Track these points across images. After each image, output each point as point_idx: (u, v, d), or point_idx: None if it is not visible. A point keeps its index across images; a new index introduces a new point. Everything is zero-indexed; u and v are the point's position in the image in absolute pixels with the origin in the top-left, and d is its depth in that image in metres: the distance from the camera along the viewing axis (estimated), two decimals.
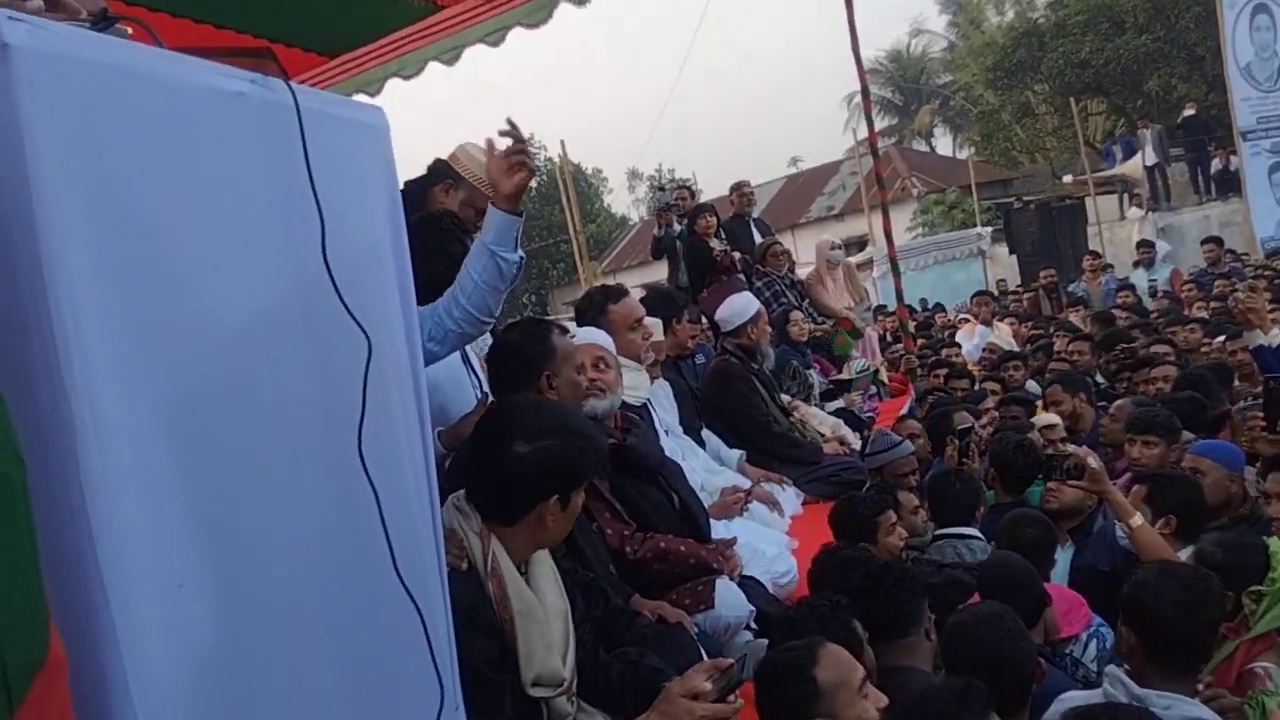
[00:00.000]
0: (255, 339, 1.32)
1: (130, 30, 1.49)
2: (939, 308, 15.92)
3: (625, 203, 49.82)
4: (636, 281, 33.24)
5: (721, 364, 4.80)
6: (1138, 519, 3.12)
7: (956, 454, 4.46)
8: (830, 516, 3.57)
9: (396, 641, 1.50)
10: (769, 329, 5.15)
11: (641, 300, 4.68)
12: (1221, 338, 6.05)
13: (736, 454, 4.35)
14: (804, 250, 27.42)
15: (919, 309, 13.88)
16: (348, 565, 1.42)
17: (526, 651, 1.91)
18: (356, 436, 1.42)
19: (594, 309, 3.53)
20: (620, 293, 3.67)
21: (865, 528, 3.39)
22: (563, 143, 23.51)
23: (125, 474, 1.09)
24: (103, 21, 1.46)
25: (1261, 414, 3.78)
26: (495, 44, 5.78)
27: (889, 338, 9.35)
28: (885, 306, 11.40)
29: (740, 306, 5.00)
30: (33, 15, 1.18)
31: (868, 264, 16.80)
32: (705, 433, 4.43)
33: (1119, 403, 4.76)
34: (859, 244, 28.20)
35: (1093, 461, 3.34)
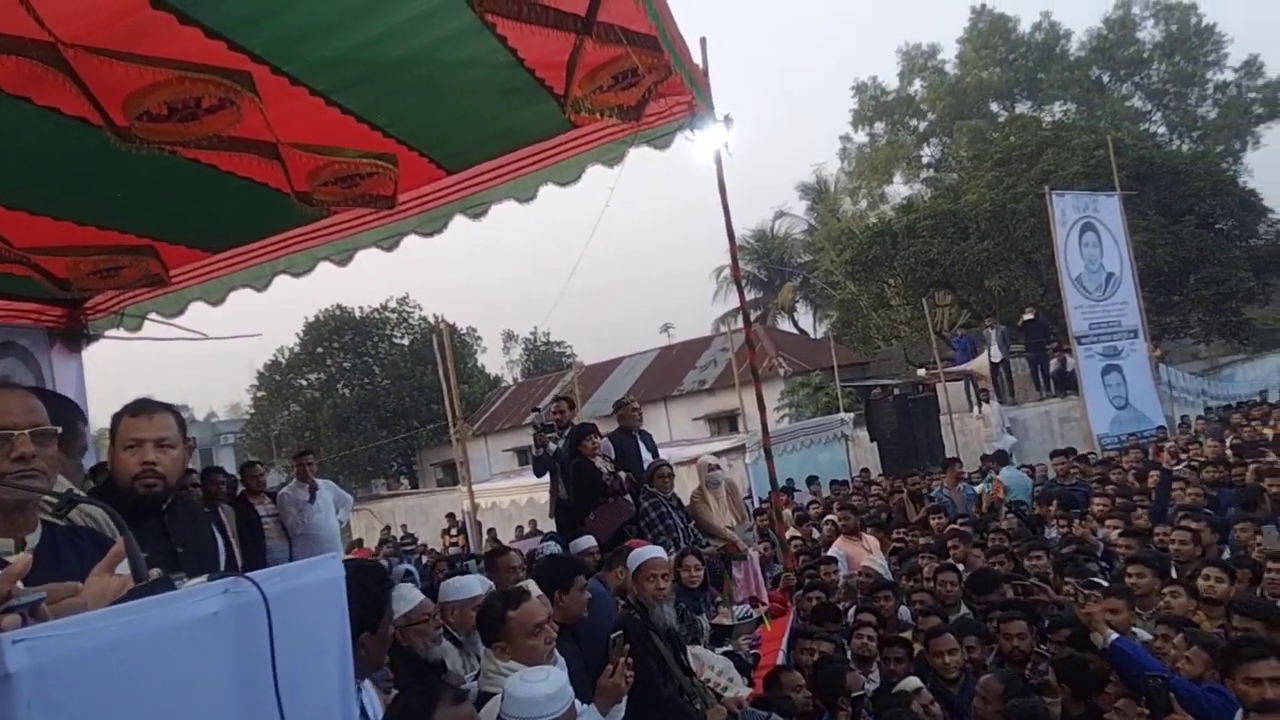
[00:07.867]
0: None
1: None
2: (812, 480, 16.34)
3: (499, 363, 49.96)
4: (509, 445, 33.14)
5: (621, 619, 4.70)
6: None
7: None
8: None
9: None
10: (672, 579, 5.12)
11: (532, 574, 4.56)
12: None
13: None
14: (676, 424, 27.98)
15: (788, 492, 14.20)
16: None
17: None
18: None
19: (493, 617, 3.36)
20: (519, 597, 3.38)
21: None
22: (443, 316, 23.42)
23: None
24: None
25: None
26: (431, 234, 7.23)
27: (769, 531, 9.39)
28: (758, 508, 11.58)
29: (651, 555, 4.98)
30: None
31: (739, 449, 17.19)
32: None
33: (984, 679, 4.74)
34: (729, 418, 29.00)
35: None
